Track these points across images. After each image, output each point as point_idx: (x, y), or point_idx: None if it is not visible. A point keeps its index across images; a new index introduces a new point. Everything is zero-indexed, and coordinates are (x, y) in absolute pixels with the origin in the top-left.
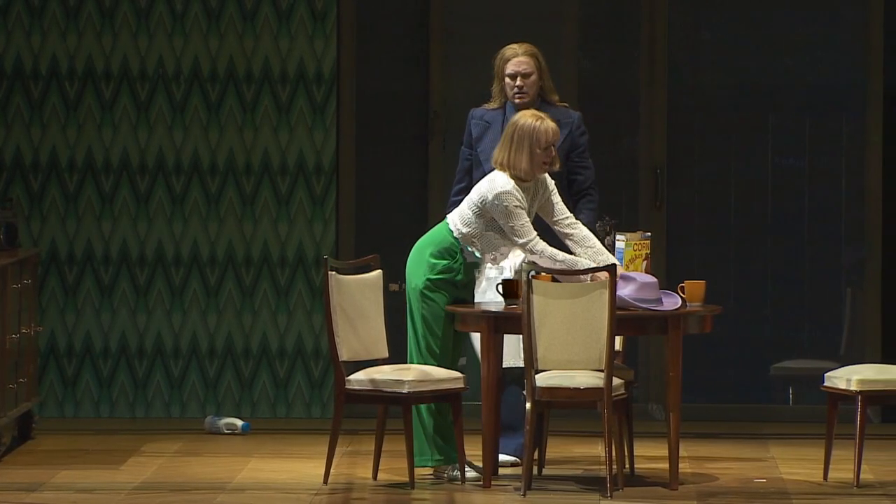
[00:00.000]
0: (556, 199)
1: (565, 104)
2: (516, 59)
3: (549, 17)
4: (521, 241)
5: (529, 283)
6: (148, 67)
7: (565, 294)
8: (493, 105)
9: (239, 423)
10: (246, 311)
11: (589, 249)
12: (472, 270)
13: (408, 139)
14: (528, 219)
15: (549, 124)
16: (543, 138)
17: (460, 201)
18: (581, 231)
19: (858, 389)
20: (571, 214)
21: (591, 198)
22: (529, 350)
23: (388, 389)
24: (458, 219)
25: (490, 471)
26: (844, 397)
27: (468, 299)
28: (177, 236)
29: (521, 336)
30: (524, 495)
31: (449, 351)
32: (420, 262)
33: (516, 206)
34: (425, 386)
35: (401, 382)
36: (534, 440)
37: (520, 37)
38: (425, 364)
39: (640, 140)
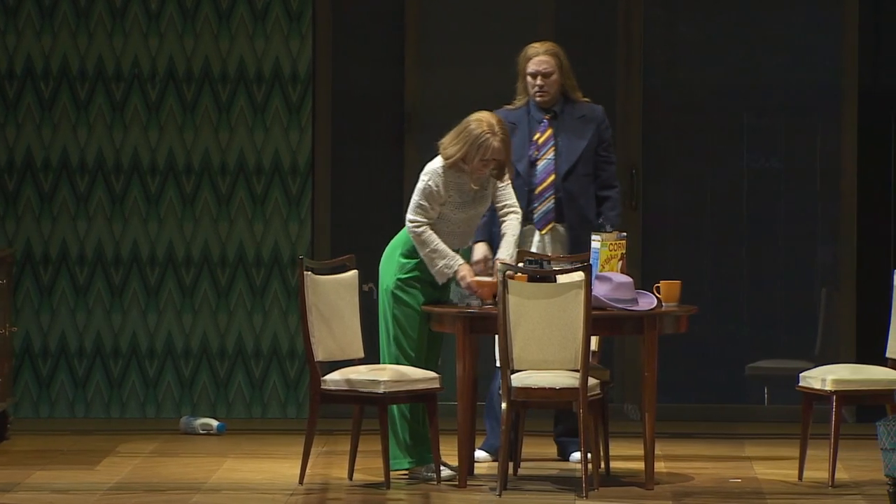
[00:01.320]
0: (502, 184)
1: (587, 99)
2: (537, 59)
3: (524, 16)
4: (409, 216)
5: (505, 283)
6: (123, 67)
7: (541, 294)
8: (516, 104)
9: (214, 423)
10: (221, 311)
11: (504, 244)
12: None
13: (383, 139)
14: (433, 206)
15: (496, 144)
16: (487, 153)
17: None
18: (506, 225)
19: (833, 389)
20: (510, 204)
21: (613, 201)
22: (505, 350)
23: (364, 389)
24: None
25: (465, 470)
26: (819, 397)
27: (443, 299)
28: (152, 236)
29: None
30: (500, 495)
31: (423, 352)
32: (391, 262)
33: (430, 189)
34: (401, 386)
35: (376, 382)
36: (509, 440)
37: (495, 36)
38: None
39: (616, 140)
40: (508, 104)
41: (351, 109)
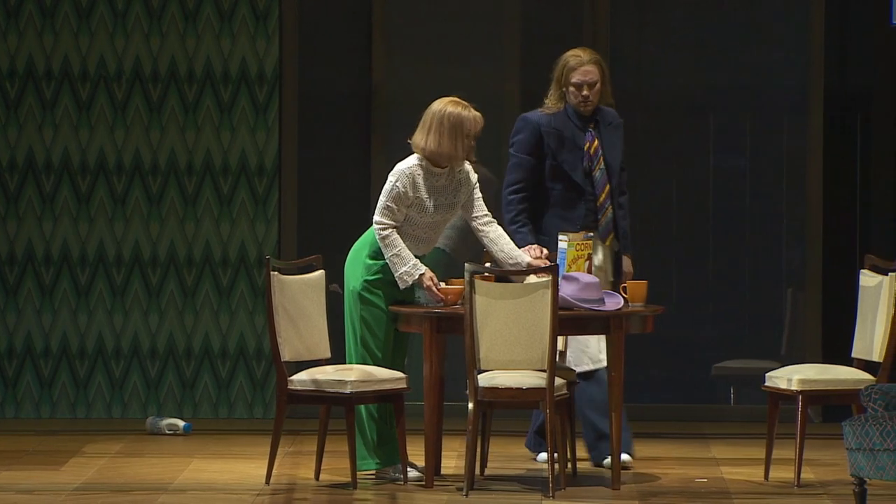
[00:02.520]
0: (478, 195)
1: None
2: (583, 69)
3: (491, 16)
4: (376, 217)
5: (472, 283)
6: (89, 67)
7: (508, 294)
8: (552, 110)
9: (181, 423)
10: (188, 311)
11: (501, 251)
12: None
13: (350, 139)
14: (399, 208)
15: (476, 114)
16: (473, 127)
17: (524, 210)
18: (496, 231)
19: (799, 389)
20: (487, 212)
21: (625, 210)
22: (472, 350)
23: (331, 390)
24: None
25: (432, 470)
26: (785, 397)
27: (409, 299)
28: (118, 236)
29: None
30: (466, 495)
31: (389, 353)
32: (357, 263)
33: (398, 190)
34: (368, 386)
35: (343, 382)
36: (475, 440)
37: (461, 36)
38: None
39: None
40: (542, 108)
41: (318, 109)
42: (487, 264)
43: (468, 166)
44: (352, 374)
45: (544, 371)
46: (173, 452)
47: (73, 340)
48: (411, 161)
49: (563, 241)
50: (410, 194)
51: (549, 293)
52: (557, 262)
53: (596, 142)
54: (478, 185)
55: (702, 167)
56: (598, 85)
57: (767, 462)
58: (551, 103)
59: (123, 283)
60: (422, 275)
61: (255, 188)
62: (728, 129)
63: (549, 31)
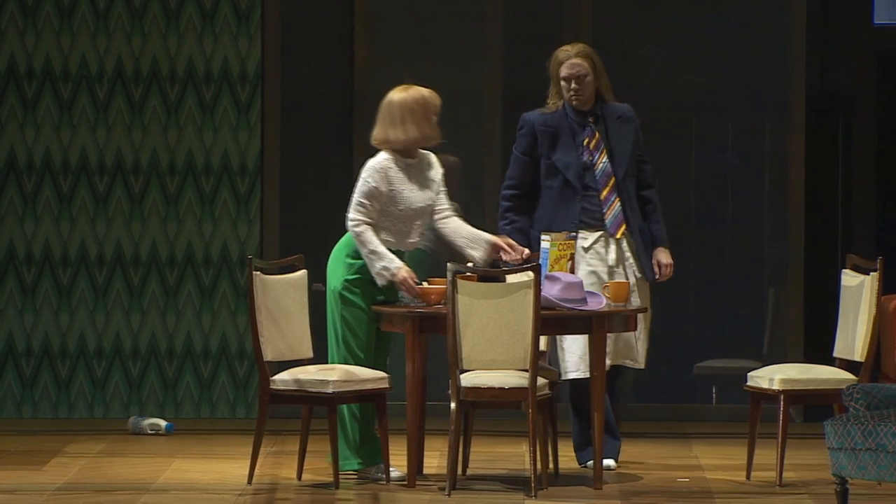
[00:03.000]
0: (442, 188)
1: (613, 100)
2: (570, 62)
3: (473, 15)
4: (350, 214)
5: (454, 283)
6: (71, 67)
7: (490, 294)
8: (550, 109)
9: (163, 423)
10: (170, 311)
11: (462, 237)
12: (412, 265)
13: (332, 139)
14: (373, 204)
15: (429, 92)
16: (435, 102)
17: (512, 207)
18: (454, 222)
19: (781, 389)
20: (449, 209)
21: (654, 204)
22: (454, 350)
23: (313, 389)
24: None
25: (415, 470)
26: (767, 396)
27: (391, 299)
28: (100, 236)
29: (583, 344)
30: (449, 495)
31: (371, 353)
32: (338, 263)
33: (370, 187)
34: (350, 386)
35: (326, 382)
36: (458, 440)
37: (444, 35)
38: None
39: None
40: (542, 108)
41: (300, 109)
42: (470, 264)
43: (432, 156)
44: (334, 374)
45: (527, 371)
46: (155, 452)
47: (55, 340)
48: (381, 156)
49: (545, 241)
50: (384, 189)
51: (531, 293)
52: (540, 261)
53: (597, 136)
54: (442, 182)
55: (684, 166)
56: (588, 77)
57: (749, 462)
58: (550, 101)
59: (105, 283)
60: (398, 269)
61: (238, 188)
62: (710, 129)
63: (530, 32)
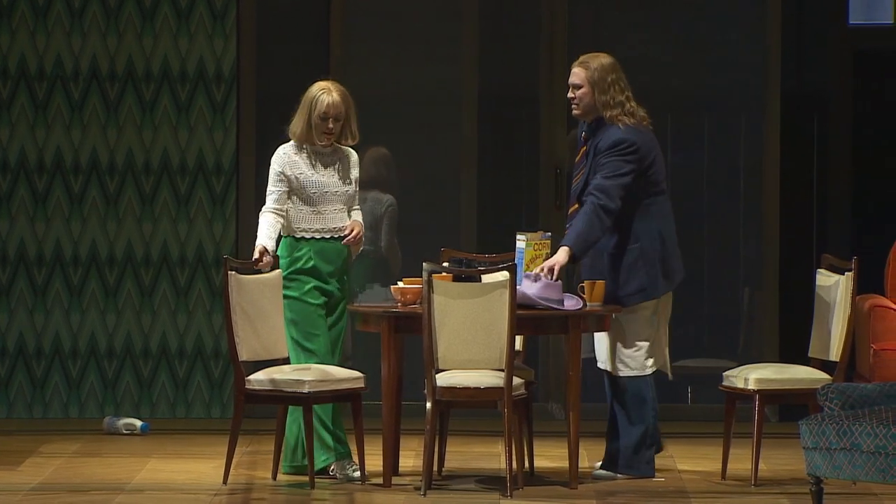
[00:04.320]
0: (356, 191)
1: (627, 121)
2: (572, 70)
3: (449, 16)
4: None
5: (430, 282)
6: (46, 66)
7: (466, 294)
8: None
9: (138, 423)
10: (145, 310)
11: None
12: (333, 256)
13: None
14: (280, 189)
15: (334, 98)
16: (324, 110)
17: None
18: (353, 217)
19: (756, 388)
20: (357, 209)
21: (582, 212)
22: (430, 350)
23: (289, 389)
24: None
25: (390, 470)
26: (742, 396)
27: (330, 289)
28: (75, 236)
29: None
30: (424, 495)
31: (325, 344)
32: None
33: (274, 171)
34: (326, 386)
35: (301, 382)
36: (433, 439)
37: (419, 35)
38: (305, 362)
39: (540, 140)
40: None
41: (275, 109)
42: (445, 263)
43: (355, 157)
44: (309, 374)
45: (502, 371)
46: (130, 452)
47: (29, 340)
48: (285, 144)
49: (520, 241)
50: (288, 173)
51: (507, 293)
52: (515, 261)
53: (582, 150)
54: (356, 190)
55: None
56: (582, 89)
57: (724, 461)
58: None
59: (80, 283)
60: (257, 246)
61: (213, 187)
62: (685, 129)
63: (505, 32)
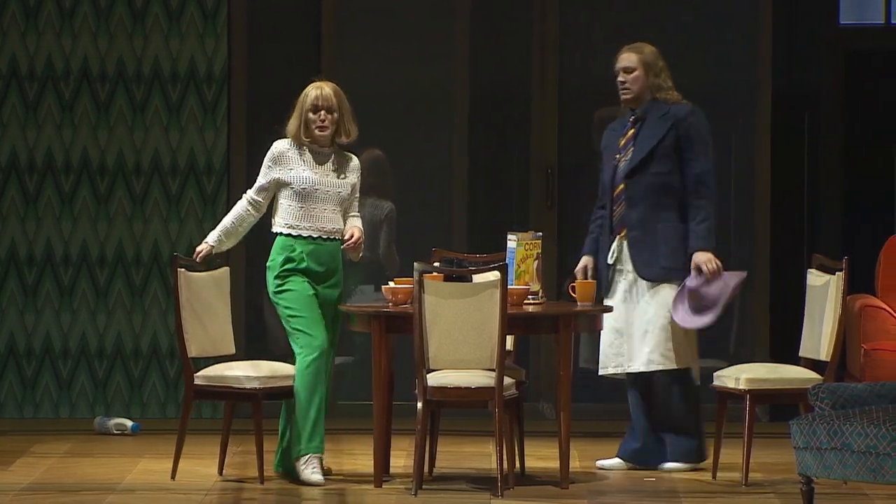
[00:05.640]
0: (356, 195)
1: (682, 101)
2: (621, 56)
3: (441, 15)
4: None
5: (421, 282)
6: (37, 67)
7: (457, 293)
8: (624, 110)
9: (129, 423)
10: (136, 311)
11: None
12: (326, 258)
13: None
14: (264, 180)
15: (316, 91)
16: (313, 100)
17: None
18: (351, 224)
19: (747, 388)
20: (355, 214)
21: (702, 212)
22: (421, 350)
23: (238, 385)
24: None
25: (381, 470)
26: (733, 396)
27: (328, 294)
28: (66, 236)
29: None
30: (415, 495)
31: (322, 331)
32: (267, 272)
33: (265, 164)
34: (275, 382)
35: (251, 378)
36: (424, 439)
37: (411, 36)
38: (318, 357)
39: (532, 140)
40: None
41: (266, 109)
42: (436, 263)
43: (355, 162)
44: (259, 371)
45: (494, 370)
46: (121, 452)
47: (20, 340)
48: (283, 139)
49: (511, 241)
50: (275, 165)
51: (497, 293)
52: (506, 261)
53: (630, 133)
54: (356, 197)
55: None
56: (636, 72)
57: (715, 461)
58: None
59: (71, 283)
60: (205, 241)
61: (204, 188)
62: None
63: (497, 31)
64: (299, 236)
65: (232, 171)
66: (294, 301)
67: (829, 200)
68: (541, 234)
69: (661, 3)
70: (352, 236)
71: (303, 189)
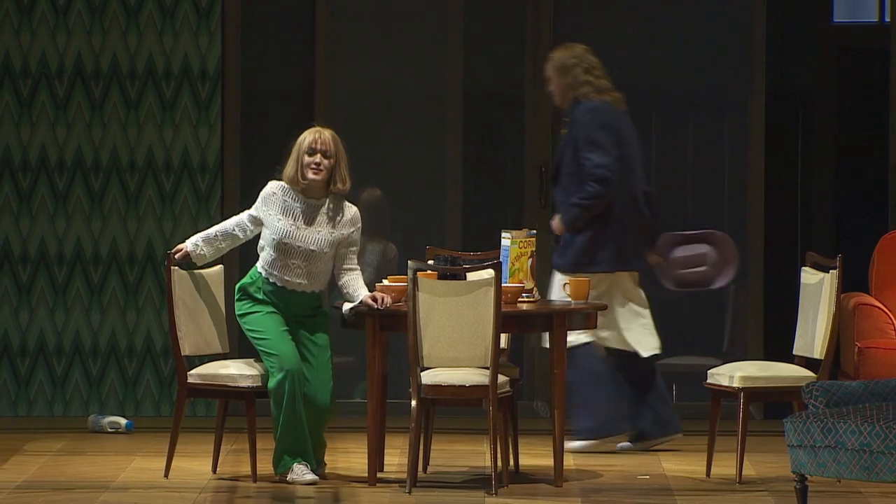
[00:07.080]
0: (354, 250)
1: (602, 98)
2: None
3: (434, 14)
4: None
5: (415, 280)
6: (30, 64)
7: (451, 292)
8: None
9: (123, 421)
10: (130, 309)
11: (347, 291)
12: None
13: (293, 136)
14: (256, 213)
15: (313, 136)
16: (304, 143)
17: None
18: (349, 276)
19: (741, 386)
20: (354, 268)
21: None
22: (415, 348)
23: (232, 384)
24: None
25: (375, 468)
26: (727, 394)
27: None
28: (60, 234)
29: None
30: (409, 493)
31: (289, 349)
32: (237, 291)
33: (259, 197)
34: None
35: (245, 377)
36: (418, 437)
37: (404, 35)
38: (283, 378)
39: (526, 139)
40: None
41: (260, 106)
42: (430, 261)
43: (353, 214)
44: (253, 369)
45: (487, 368)
46: (115, 450)
47: (14, 338)
48: (280, 181)
49: (506, 239)
50: (263, 209)
51: (491, 291)
52: (500, 259)
53: (564, 133)
54: (356, 247)
55: (644, 165)
56: (552, 79)
57: (709, 459)
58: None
59: (65, 281)
60: (173, 250)
61: (198, 185)
62: (669, 127)
63: (490, 31)
64: (268, 280)
65: (226, 168)
66: (256, 323)
67: (822, 198)
68: (535, 231)
69: (653, 3)
70: (374, 300)
71: (278, 240)
